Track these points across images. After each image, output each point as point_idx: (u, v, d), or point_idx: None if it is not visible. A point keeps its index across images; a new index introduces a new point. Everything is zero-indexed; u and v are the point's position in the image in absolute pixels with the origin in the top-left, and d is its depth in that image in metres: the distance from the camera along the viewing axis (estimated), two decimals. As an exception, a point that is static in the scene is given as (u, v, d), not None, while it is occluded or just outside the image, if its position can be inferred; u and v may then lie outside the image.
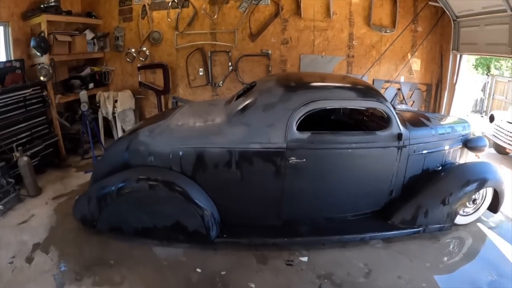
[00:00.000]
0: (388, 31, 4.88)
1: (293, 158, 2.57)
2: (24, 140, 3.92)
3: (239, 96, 3.49)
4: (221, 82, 5.36)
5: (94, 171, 3.16)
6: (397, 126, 2.72)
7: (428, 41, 4.96)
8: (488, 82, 6.86)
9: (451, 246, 2.86)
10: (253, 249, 2.73)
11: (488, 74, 7.16)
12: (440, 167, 3.07)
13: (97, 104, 4.99)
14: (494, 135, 4.75)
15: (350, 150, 2.68)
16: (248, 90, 3.53)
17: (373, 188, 2.89)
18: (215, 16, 5.02)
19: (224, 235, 2.72)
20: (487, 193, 3.03)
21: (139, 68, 5.22)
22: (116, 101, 4.96)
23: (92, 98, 4.88)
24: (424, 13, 4.88)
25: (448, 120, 3.44)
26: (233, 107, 2.90)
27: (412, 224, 2.84)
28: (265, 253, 2.69)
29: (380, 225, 2.87)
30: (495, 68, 7.32)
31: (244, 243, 2.74)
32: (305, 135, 2.59)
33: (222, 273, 2.46)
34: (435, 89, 5.06)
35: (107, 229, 2.80)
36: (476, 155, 3.79)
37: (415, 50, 4.96)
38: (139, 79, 5.29)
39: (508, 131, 4.38)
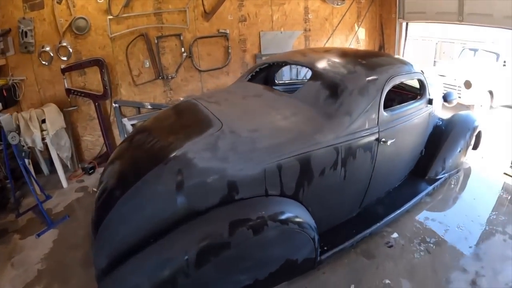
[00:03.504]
0: (339, 3, 5.62)
1: (384, 139, 2.80)
2: None
3: (250, 80, 3.59)
4: (175, 73, 4.98)
5: (101, 244, 2.21)
6: (428, 93, 3.42)
7: (369, 11, 6.00)
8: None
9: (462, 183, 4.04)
10: (350, 250, 2.89)
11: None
12: (440, 122, 4.07)
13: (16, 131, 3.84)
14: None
15: (411, 121, 3.16)
16: (260, 73, 3.74)
17: (416, 151, 3.63)
18: (159, -7, 4.55)
19: (325, 248, 2.68)
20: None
21: (64, 71, 4.22)
22: (43, 121, 3.95)
23: (0, 124, 3.73)
24: (364, -16, 5.88)
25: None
26: (312, 94, 2.84)
27: (442, 174, 3.78)
28: (363, 247, 2.93)
29: (424, 183, 3.67)
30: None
31: (348, 247, 2.82)
32: (388, 112, 2.87)
33: (352, 287, 2.55)
34: (377, 55, 6.36)
35: None
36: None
37: (361, 20, 5.95)
38: (65, 85, 4.30)
39: (443, 83, 6.11)
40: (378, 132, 2.80)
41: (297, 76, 5.74)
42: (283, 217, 2.25)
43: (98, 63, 4.39)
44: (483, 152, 4.58)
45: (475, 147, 4.35)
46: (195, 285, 2.03)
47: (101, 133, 4.70)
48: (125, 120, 4.82)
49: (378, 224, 3.03)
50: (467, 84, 6.47)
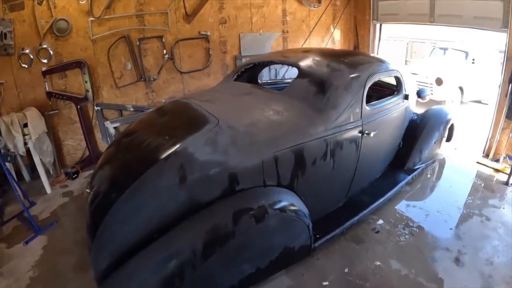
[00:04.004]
0: (316, 6, 5.89)
1: (367, 131, 3.05)
2: None
3: (236, 79, 3.74)
4: (156, 75, 5.03)
5: (101, 246, 2.19)
6: (405, 89, 3.71)
7: (344, 13, 6.32)
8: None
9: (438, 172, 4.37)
10: (340, 237, 3.07)
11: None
12: (416, 116, 4.41)
13: (-1, 135, 3.76)
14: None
15: (390, 114, 3.42)
16: (244, 73, 3.91)
17: (395, 143, 3.91)
18: (141, -6, 4.60)
19: (318, 236, 2.85)
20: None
21: (45, 73, 4.18)
22: (25, 125, 3.90)
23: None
24: (339, -13, 6.20)
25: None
26: (301, 90, 3.03)
27: (419, 164, 4.09)
28: (352, 233, 3.14)
29: (403, 173, 3.96)
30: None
31: (338, 234, 3.01)
32: (370, 107, 3.12)
33: (346, 270, 2.73)
34: (353, 55, 6.69)
35: None
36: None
37: (336, 22, 6.26)
38: (46, 88, 4.25)
39: (416, 81, 6.46)
40: (362, 124, 3.04)
41: (275, 76, 5.94)
42: (281, 205, 2.43)
43: (79, 65, 4.37)
44: (456, 143, 4.95)
45: (448, 139, 4.68)
46: (201, 277, 2.12)
47: (83, 136, 4.67)
48: (107, 123, 4.81)
49: (364, 212, 3.26)
50: (438, 81, 6.92)
